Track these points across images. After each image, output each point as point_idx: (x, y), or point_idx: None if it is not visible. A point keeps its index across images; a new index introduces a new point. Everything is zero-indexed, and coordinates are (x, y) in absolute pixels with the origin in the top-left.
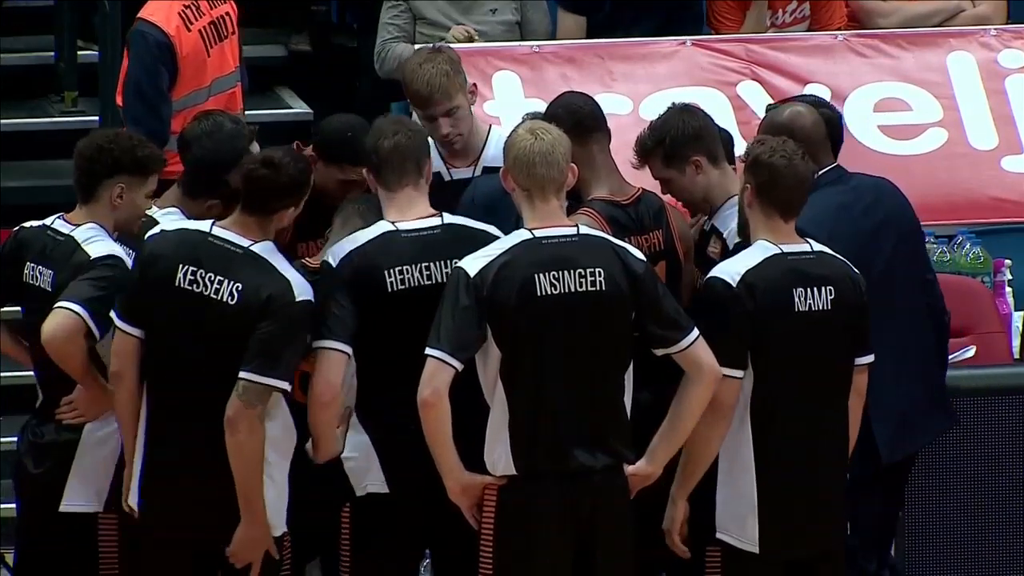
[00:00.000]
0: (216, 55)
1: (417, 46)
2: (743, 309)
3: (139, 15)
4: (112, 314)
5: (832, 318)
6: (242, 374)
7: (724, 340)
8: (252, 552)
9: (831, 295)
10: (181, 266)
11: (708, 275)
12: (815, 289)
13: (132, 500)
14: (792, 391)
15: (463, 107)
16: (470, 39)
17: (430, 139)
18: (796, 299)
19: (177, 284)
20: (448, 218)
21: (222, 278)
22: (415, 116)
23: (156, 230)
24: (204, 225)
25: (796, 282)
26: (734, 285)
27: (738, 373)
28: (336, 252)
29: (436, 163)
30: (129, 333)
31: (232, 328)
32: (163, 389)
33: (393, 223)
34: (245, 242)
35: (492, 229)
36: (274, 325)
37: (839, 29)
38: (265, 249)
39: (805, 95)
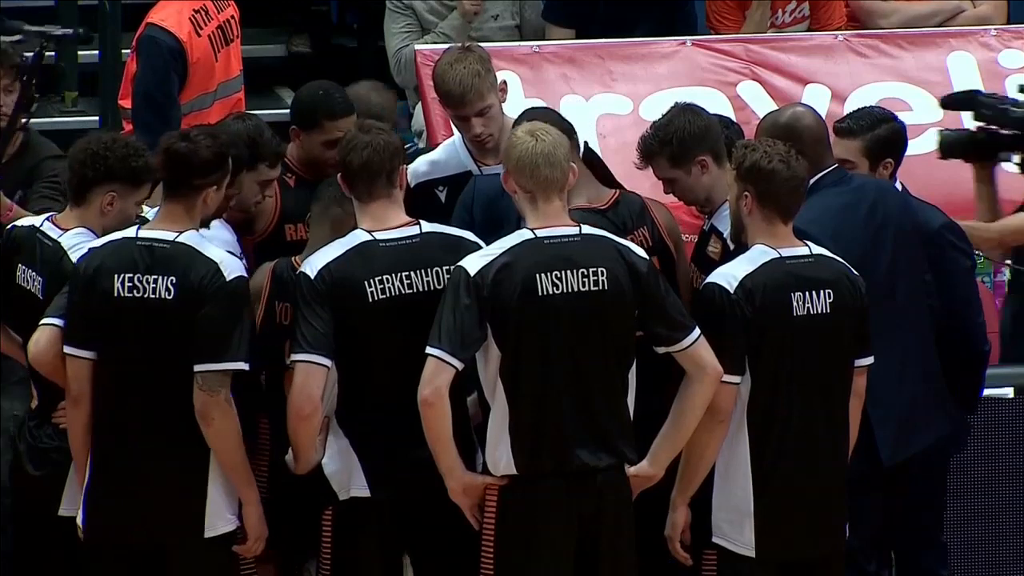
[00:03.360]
0: (223, 59)
1: (445, 46)
2: (741, 315)
3: (149, 19)
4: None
5: (831, 321)
6: (196, 367)
7: (721, 346)
8: (262, 529)
9: (830, 298)
10: (117, 276)
11: (705, 280)
12: (814, 293)
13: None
14: (791, 395)
15: (495, 106)
16: (477, 13)
17: (458, 135)
18: (795, 303)
19: (117, 295)
20: (426, 226)
21: (157, 276)
22: (415, 117)
23: (84, 249)
24: (130, 231)
25: (794, 286)
26: (731, 291)
27: (735, 379)
28: (313, 263)
29: (466, 161)
30: (82, 357)
31: (176, 323)
32: (112, 403)
33: (370, 232)
34: (171, 235)
35: (470, 235)
36: (213, 309)
37: (839, 29)
38: (191, 238)
39: (873, 108)
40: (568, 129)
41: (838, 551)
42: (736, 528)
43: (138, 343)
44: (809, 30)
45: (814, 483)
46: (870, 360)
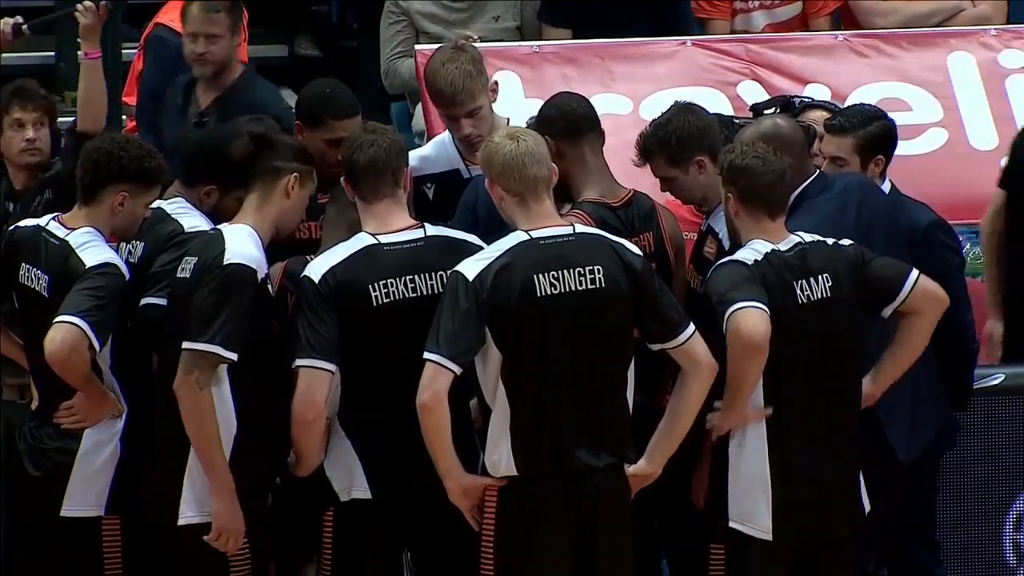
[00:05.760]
0: None
1: (437, 46)
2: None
3: (157, 19)
4: None
5: (834, 301)
6: (182, 344)
7: (749, 279)
8: (229, 522)
9: (828, 281)
10: (186, 259)
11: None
12: (813, 279)
13: None
14: (803, 378)
15: (485, 107)
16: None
17: (448, 134)
18: (798, 292)
19: (179, 274)
20: (431, 229)
21: (193, 257)
22: (415, 117)
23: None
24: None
25: (795, 276)
26: (748, 263)
27: (762, 305)
28: (317, 267)
29: (455, 160)
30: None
31: (188, 302)
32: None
33: (374, 235)
34: (225, 224)
35: (474, 239)
36: (204, 289)
37: (839, 29)
38: (232, 227)
39: (865, 105)
40: (575, 122)
41: (852, 535)
42: (752, 512)
43: (169, 321)
44: (803, 13)
45: (829, 466)
46: (913, 277)
